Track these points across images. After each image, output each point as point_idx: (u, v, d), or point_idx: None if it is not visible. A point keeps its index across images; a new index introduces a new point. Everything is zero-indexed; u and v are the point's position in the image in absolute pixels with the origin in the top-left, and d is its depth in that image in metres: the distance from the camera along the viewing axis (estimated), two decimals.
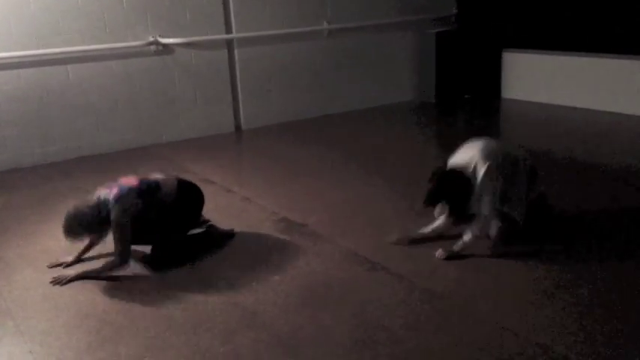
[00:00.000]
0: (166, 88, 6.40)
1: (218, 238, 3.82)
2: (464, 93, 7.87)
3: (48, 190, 5.00)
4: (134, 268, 3.48)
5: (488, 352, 2.54)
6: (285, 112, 7.13)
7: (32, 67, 5.66)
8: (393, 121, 7.19)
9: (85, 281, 3.37)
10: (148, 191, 3.46)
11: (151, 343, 2.76)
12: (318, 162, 5.50)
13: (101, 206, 3.34)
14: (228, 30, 6.64)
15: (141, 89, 6.24)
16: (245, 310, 2.99)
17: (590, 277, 3.13)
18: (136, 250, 3.52)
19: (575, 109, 6.98)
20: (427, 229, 3.68)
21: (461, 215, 3.51)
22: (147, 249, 3.66)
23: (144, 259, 3.60)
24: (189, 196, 3.69)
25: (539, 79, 7.41)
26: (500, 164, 3.42)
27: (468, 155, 3.47)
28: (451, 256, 3.42)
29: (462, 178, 3.38)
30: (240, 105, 6.87)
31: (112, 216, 3.31)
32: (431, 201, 3.52)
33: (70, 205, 3.38)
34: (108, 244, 3.48)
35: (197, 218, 3.79)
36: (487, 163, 3.36)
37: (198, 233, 3.81)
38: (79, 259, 3.63)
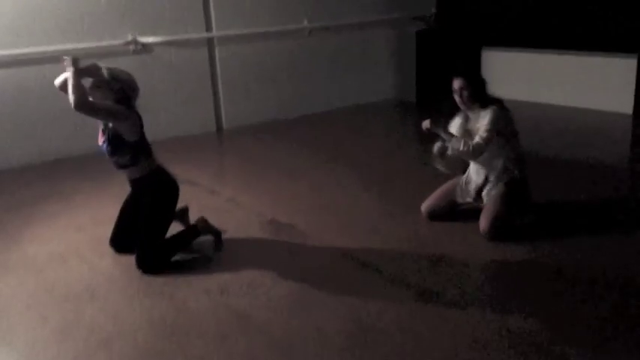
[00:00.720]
0: (146, 87, 6.21)
1: (213, 232, 3.73)
2: (444, 91, 7.88)
3: (27, 194, 4.89)
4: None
5: (486, 352, 2.53)
6: (267, 110, 7.08)
7: (8, 67, 5.52)
8: (374, 120, 7.18)
9: (69, 289, 3.28)
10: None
11: (142, 350, 2.70)
12: (301, 162, 5.46)
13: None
14: (209, 28, 6.57)
15: None
16: (238, 313, 2.95)
17: (581, 272, 3.15)
18: None
19: (553, 106, 7.05)
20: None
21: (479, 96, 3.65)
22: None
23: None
24: (166, 177, 3.64)
25: (519, 77, 7.46)
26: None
27: None
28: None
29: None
30: (222, 104, 6.80)
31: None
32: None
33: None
34: None
35: (173, 206, 3.64)
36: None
37: (186, 230, 3.73)
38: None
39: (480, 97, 3.68)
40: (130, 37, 6.05)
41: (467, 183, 3.90)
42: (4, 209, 4.54)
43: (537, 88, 7.28)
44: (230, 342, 2.71)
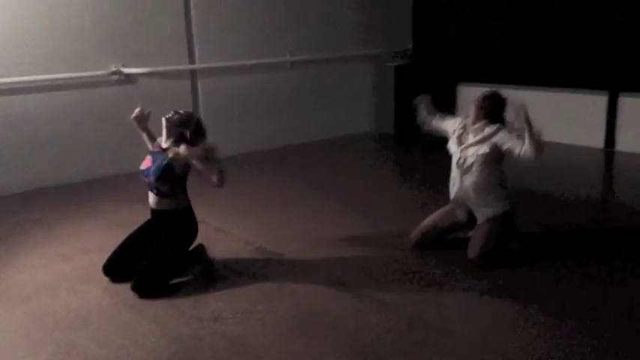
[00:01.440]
0: (129, 118, 6.30)
1: (203, 261, 3.77)
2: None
3: (10, 222, 4.82)
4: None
5: None
6: (249, 142, 7.13)
7: None
8: (354, 152, 7.30)
9: (60, 318, 3.25)
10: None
11: None
12: (285, 192, 5.52)
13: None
14: (192, 60, 6.65)
15: (103, 119, 6.13)
16: (233, 341, 2.95)
17: (576, 304, 3.24)
18: None
19: None
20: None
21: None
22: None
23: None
24: (193, 216, 3.77)
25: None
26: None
27: None
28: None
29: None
30: None
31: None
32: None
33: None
34: None
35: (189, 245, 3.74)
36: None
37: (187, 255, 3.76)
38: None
39: (496, 117, 3.83)
40: (113, 68, 6.08)
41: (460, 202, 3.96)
42: None
43: (511, 123, 7.48)
44: None
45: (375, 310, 3.22)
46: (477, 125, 3.83)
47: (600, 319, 3.04)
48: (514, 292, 3.37)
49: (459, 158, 3.84)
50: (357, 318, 3.14)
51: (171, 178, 3.57)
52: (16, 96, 5.59)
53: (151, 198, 3.70)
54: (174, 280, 3.61)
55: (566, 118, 6.96)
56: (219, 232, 4.45)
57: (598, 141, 6.71)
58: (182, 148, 3.51)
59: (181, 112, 3.81)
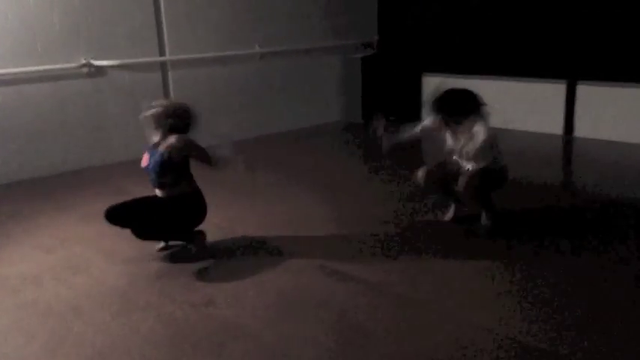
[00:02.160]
0: (99, 110, 6.30)
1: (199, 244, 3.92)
2: (389, 114, 8.24)
3: None
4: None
5: (472, 351, 2.75)
6: (220, 133, 7.16)
7: None
8: (324, 141, 7.43)
9: (51, 307, 3.29)
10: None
11: None
12: (262, 181, 5.59)
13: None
14: (162, 52, 6.65)
15: (73, 112, 6.10)
16: (227, 323, 3.05)
17: (553, 275, 3.45)
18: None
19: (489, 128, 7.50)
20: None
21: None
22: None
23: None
24: (201, 199, 3.89)
25: None
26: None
27: None
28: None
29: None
30: None
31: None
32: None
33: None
34: None
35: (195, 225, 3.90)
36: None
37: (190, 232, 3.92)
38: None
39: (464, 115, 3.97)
40: (83, 60, 6.05)
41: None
42: None
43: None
44: (226, 350, 2.81)
45: (361, 290, 3.37)
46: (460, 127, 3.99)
47: (573, 289, 3.25)
48: (494, 269, 3.55)
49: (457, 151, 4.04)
50: (345, 299, 3.27)
51: (172, 170, 3.64)
52: None
53: (157, 190, 3.77)
54: (164, 269, 3.68)
55: (527, 106, 7.23)
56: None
57: (558, 128, 7.01)
58: (173, 140, 3.57)
59: (163, 102, 3.85)
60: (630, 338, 2.79)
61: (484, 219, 4.13)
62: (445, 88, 4.04)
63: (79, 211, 4.90)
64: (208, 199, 3.92)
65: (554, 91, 6.99)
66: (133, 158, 6.44)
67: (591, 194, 5.02)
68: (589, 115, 6.80)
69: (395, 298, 3.25)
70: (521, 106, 7.28)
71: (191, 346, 2.86)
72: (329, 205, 4.81)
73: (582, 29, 6.69)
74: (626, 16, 6.35)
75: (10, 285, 3.58)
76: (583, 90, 6.81)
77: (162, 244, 3.99)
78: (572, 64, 6.83)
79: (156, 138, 3.77)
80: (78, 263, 3.86)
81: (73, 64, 6.00)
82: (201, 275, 3.65)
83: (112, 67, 6.25)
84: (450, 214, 4.32)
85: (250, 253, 3.96)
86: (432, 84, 8.05)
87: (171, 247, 4.01)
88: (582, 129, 6.86)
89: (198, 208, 3.84)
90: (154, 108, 3.78)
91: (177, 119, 3.74)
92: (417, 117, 8.18)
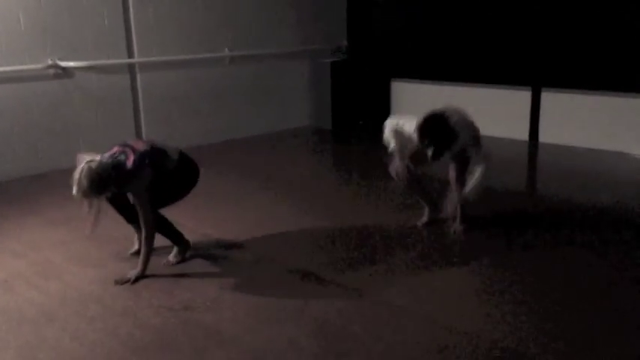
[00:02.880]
0: (66, 112, 6.17)
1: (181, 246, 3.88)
2: (358, 119, 8.32)
3: None
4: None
5: (452, 354, 2.79)
6: (189, 137, 7.08)
7: None
8: (293, 146, 7.43)
9: (23, 313, 3.21)
10: (157, 157, 3.55)
11: None
12: (229, 186, 5.55)
13: (118, 167, 3.38)
14: (130, 54, 6.56)
15: (39, 114, 5.96)
16: (208, 328, 3.02)
17: (524, 277, 3.52)
18: None
19: None
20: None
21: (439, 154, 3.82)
22: None
23: None
24: (188, 166, 3.78)
25: (424, 106, 7.97)
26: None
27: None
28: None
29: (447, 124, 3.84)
30: (143, 130, 6.76)
31: (133, 187, 3.46)
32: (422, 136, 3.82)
33: (84, 162, 3.28)
34: None
35: (188, 190, 3.83)
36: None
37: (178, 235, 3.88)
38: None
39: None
40: (50, 61, 5.92)
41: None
42: None
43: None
44: (208, 355, 2.79)
45: (340, 294, 3.38)
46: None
47: (547, 289, 3.33)
48: (471, 273, 3.62)
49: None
50: (325, 303, 3.27)
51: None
52: None
53: None
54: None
55: (493, 113, 7.35)
56: (176, 226, 4.46)
57: (523, 133, 7.17)
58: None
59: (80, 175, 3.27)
60: (605, 335, 2.87)
61: (457, 224, 4.20)
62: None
63: (46, 215, 4.79)
64: (180, 204, 3.85)
65: (519, 98, 7.14)
66: None
67: (554, 198, 5.14)
68: (553, 121, 6.97)
69: (374, 303, 3.27)
70: (487, 113, 7.38)
71: (173, 351, 2.83)
72: (302, 211, 4.80)
73: (547, 38, 6.85)
74: (589, 25, 6.54)
75: None
76: (547, 97, 6.98)
77: (135, 247, 3.92)
78: (537, 72, 7.00)
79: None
80: (49, 268, 3.77)
81: (39, 65, 5.86)
82: (177, 280, 3.60)
83: (79, 68, 6.13)
84: (424, 219, 4.37)
85: (226, 257, 3.93)
86: (401, 89, 8.24)
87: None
88: (547, 135, 7.03)
89: (189, 172, 3.79)
90: (75, 185, 3.26)
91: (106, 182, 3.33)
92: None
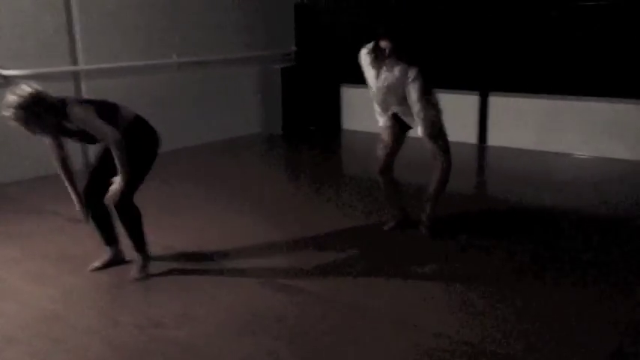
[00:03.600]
0: (7, 123, 5.86)
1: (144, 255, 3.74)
2: (309, 125, 8.30)
3: None
4: None
5: (431, 357, 2.80)
6: None
7: None
8: (244, 153, 7.33)
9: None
10: (107, 106, 3.52)
11: None
12: (185, 196, 5.43)
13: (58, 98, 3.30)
14: (74, 61, 6.32)
15: None
16: (183, 344, 2.92)
17: (483, 277, 3.58)
18: None
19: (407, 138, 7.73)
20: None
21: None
22: None
23: None
24: (145, 129, 3.73)
25: (373, 111, 8.08)
26: None
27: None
28: None
29: None
30: None
31: (75, 111, 3.27)
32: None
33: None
34: None
35: (152, 158, 3.74)
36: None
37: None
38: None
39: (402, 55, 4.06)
40: None
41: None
42: None
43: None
44: None
45: (314, 302, 3.34)
46: (389, 66, 4.14)
47: (502, 284, 3.40)
48: (442, 275, 3.65)
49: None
50: (299, 313, 3.23)
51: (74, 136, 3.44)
52: None
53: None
54: (100, 291, 3.47)
55: (443, 117, 7.49)
56: None
57: (472, 137, 7.33)
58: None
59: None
60: (580, 334, 2.95)
61: (424, 221, 4.24)
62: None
63: (1, 231, 4.55)
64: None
65: (468, 102, 7.30)
66: (46, 174, 6.06)
67: (504, 200, 5.27)
68: (500, 125, 7.16)
69: (350, 309, 3.25)
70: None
71: None
72: (262, 218, 4.74)
73: (494, 44, 7.04)
74: (534, 32, 6.76)
75: None
76: (494, 101, 7.17)
77: (96, 264, 3.77)
78: (485, 77, 7.18)
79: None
80: (3, 288, 3.57)
81: None
82: (142, 295, 3.48)
83: (21, 76, 5.85)
84: (391, 224, 4.39)
85: (191, 270, 3.82)
86: (351, 95, 8.27)
87: (106, 266, 3.80)
88: (494, 138, 7.22)
89: (145, 136, 3.71)
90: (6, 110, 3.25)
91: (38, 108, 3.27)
92: (336, 126, 8.34)
